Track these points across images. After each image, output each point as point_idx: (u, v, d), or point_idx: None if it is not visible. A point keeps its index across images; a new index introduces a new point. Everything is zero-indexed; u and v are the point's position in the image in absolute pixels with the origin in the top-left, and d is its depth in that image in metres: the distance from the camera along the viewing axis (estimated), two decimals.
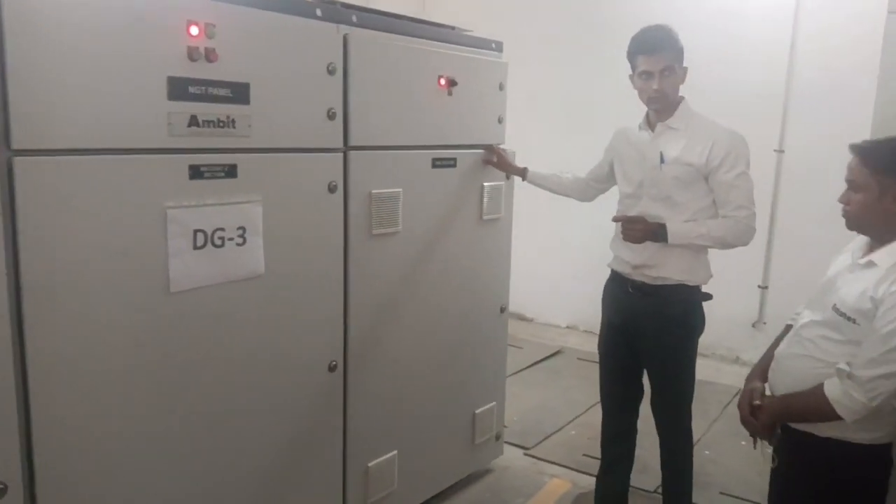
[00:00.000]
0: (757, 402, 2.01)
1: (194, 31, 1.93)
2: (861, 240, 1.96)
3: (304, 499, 2.47)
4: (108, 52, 1.77)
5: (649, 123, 2.65)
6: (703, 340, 5.23)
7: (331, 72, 2.34)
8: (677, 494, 2.83)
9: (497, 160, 3.04)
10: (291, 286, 2.32)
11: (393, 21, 2.64)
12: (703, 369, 4.89)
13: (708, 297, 2.69)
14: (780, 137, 4.79)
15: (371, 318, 2.63)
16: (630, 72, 2.64)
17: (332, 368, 2.48)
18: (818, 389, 1.81)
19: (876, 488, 1.89)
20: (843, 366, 1.77)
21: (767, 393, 2.05)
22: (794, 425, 1.94)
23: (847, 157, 4.52)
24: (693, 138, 2.54)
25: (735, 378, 4.74)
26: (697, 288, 2.65)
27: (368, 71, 2.47)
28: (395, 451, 2.80)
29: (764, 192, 4.87)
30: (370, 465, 2.70)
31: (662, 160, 2.55)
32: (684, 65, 2.61)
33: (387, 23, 2.60)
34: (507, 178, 3.18)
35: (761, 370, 2.11)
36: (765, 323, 4.98)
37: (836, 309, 1.84)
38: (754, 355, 4.97)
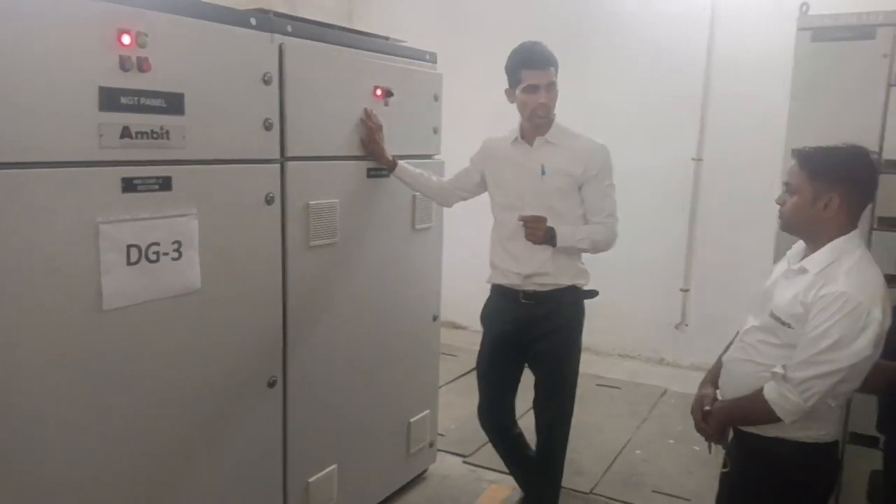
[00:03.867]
0: (707, 407, 2.06)
1: (126, 39, 1.86)
2: (798, 246, 2.04)
3: None
4: (35, 62, 1.69)
5: (524, 137, 2.72)
6: (628, 341, 5.46)
7: (266, 82, 2.30)
8: (546, 488, 2.90)
9: (370, 142, 2.75)
10: (229, 301, 2.26)
11: (327, 31, 2.62)
12: (629, 370, 5.10)
13: (595, 293, 2.80)
14: (697, 146, 5.00)
15: (309, 332, 2.60)
16: (507, 86, 2.69)
17: (271, 384, 2.43)
18: (758, 393, 1.88)
19: (823, 487, 1.98)
20: (778, 369, 1.85)
21: (719, 398, 2.11)
22: (743, 428, 2.01)
23: (762, 165, 4.75)
24: (570, 151, 2.65)
25: (660, 378, 4.92)
26: (582, 288, 2.77)
27: (304, 81, 2.45)
28: (334, 465, 2.76)
29: (683, 199, 5.10)
30: (310, 480, 2.65)
31: (544, 172, 2.64)
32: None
33: (321, 33, 2.57)
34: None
35: (713, 376, 2.17)
36: (687, 325, 5.18)
37: (772, 314, 1.92)
38: (677, 356, 5.24)
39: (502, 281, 2.79)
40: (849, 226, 1.90)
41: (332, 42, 2.62)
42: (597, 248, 2.68)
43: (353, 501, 2.93)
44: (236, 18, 2.20)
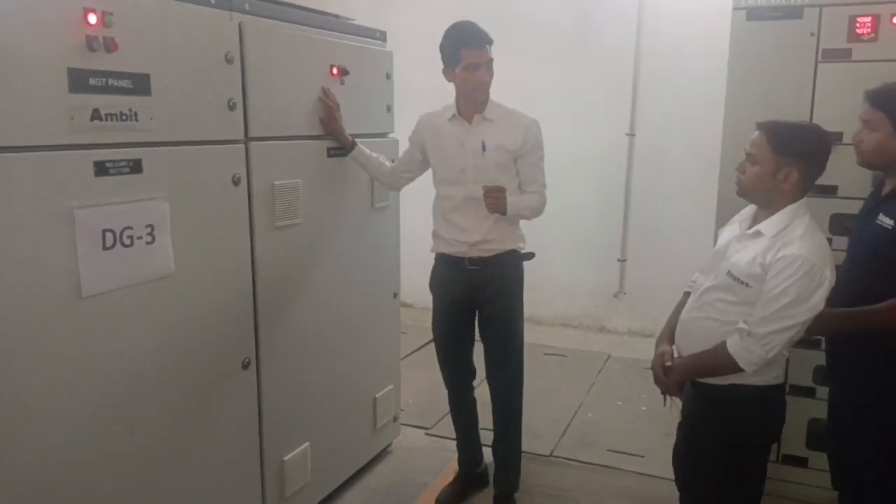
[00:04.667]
0: (668, 363, 2.21)
1: (92, 19, 1.81)
2: (747, 211, 2.20)
3: (221, 499, 2.40)
4: (2, 42, 1.63)
5: (462, 114, 2.79)
6: (571, 311, 5.64)
7: (229, 61, 2.28)
8: (510, 447, 3.02)
9: (329, 120, 2.77)
10: (201, 284, 2.24)
11: (283, 9, 2.60)
12: (573, 339, 5.29)
13: (531, 255, 2.96)
14: (630, 122, 5.19)
15: (279, 312, 2.60)
16: (444, 66, 2.73)
17: (245, 365, 2.44)
18: (721, 347, 2.04)
19: (774, 424, 2.18)
20: (742, 325, 2.01)
21: (675, 355, 2.26)
22: (700, 379, 2.17)
23: (693, 137, 4.97)
24: (507, 127, 2.76)
25: (603, 345, 5.13)
26: (521, 251, 2.92)
27: (265, 60, 2.43)
28: (307, 443, 2.79)
29: (618, 173, 5.29)
30: (285, 459, 2.67)
31: (485, 148, 2.73)
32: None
33: (277, 10, 2.55)
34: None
35: (668, 335, 2.31)
36: (625, 293, 5.40)
37: (730, 274, 2.07)
38: (617, 323, 5.46)
39: (447, 250, 2.88)
40: (800, 195, 2.07)
41: (289, 20, 2.61)
42: (534, 214, 2.85)
43: (326, 477, 2.97)
44: None
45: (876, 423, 2.21)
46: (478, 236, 2.79)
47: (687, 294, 2.34)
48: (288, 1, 2.69)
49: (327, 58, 2.77)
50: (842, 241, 2.70)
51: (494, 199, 2.65)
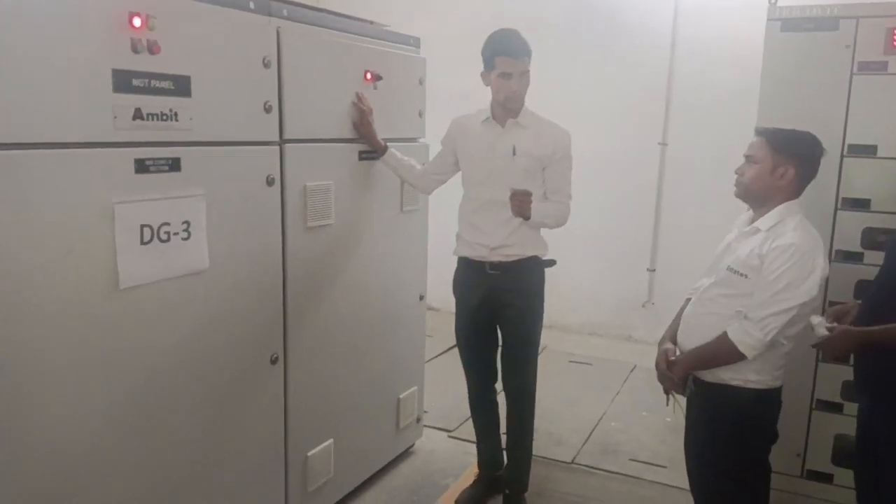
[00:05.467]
0: (672, 358, 2.31)
1: (137, 22, 1.89)
2: (743, 218, 2.35)
3: (245, 491, 2.46)
4: (51, 44, 1.71)
5: (495, 118, 2.83)
6: (598, 320, 5.63)
7: (266, 65, 2.35)
8: (522, 448, 3.06)
9: (362, 124, 2.81)
10: (234, 281, 2.31)
11: (319, 15, 2.66)
12: (599, 347, 5.27)
13: (553, 262, 2.98)
14: (663, 131, 5.18)
15: (307, 311, 2.66)
16: (483, 69, 2.79)
17: (273, 361, 2.49)
18: (722, 336, 2.15)
19: (771, 422, 2.27)
20: (740, 310, 2.13)
21: (678, 352, 2.34)
22: (702, 376, 2.25)
23: (724, 148, 4.96)
24: (538, 134, 2.81)
25: (629, 355, 5.11)
26: (542, 258, 2.94)
27: (301, 64, 2.49)
28: (331, 440, 2.84)
29: (649, 182, 5.27)
30: (309, 454, 2.73)
31: (514, 153, 2.77)
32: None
33: (314, 16, 2.62)
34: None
35: (671, 334, 2.43)
36: (653, 303, 5.37)
37: (730, 268, 2.20)
38: (644, 333, 5.43)
39: (469, 253, 2.91)
40: (794, 194, 2.24)
41: (325, 26, 2.67)
42: (557, 224, 2.88)
43: (348, 474, 3.02)
44: (235, 1, 2.24)
45: None
46: (497, 240, 2.82)
47: (688, 300, 2.44)
48: (324, 7, 2.76)
49: (361, 63, 2.83)
50: (875, 256, 2.69)
51: (520, 202, 2.67)
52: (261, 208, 2.40)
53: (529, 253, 2.87)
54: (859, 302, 2.37)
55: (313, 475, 2.76)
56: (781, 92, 2.98)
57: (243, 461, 2.44)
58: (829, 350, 2.33)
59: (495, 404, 3.16)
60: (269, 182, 2.41)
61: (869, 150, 2.86)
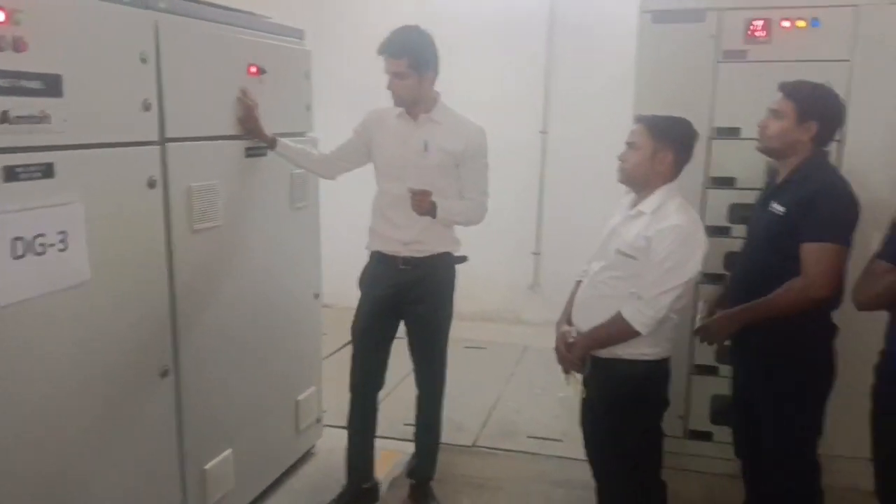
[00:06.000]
0: (570, 340, 2.42)
1: (0, 17, 1.73)
2: (625, 201, 2.46)
3: None
4: None
5: (409, 114, 2.82)
6: (489, 305, 5.76)
7: (143, 60, 2.21)
8: (431, 440, 3.11)
9: (248, 120, 2.71)
10: (117, 291, 2.17)
11: (199, 7, 2.54)
12: (492, 332, 5.39)
13: (465, 259, 3.03)
14: (543, 120, 5.34)
15: (198, 318, 2.55)
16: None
17: (163, 374, 2.37)
18: (617, 316, 2.27)
19: (662, 389, 2.42)
20: (633, 290, 2.24)
21: (575, 334, 2.44)
22: (598, 354, 2.36)
23: (602, 135, 5.14)
24: (452, 130, 2.80)
25: (520, 337, 5.26)
26: (454, 254, 2.98)
27: (181, 59, 2.37)
28: (229, 450, 2.74)
29: (532, 169, 5.43)
30: (206, 467, 2.62)
31: (426, 148, 2.77)
32: (429, 70, 2.75)
33: (193, 9, 2.49)
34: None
35: (566, 316, 2.53)
36: (540, 285, 5.57)
37: (619, 251, 2.31)
38: (534, 315, 5.60)
39: (382, 248, 2.89)
40: (673, 177, 2.36)
41: (205, 18, 2.55)
42: (469, 222, 2.88)
43: (249, 483, 2.93)
44: None
45: (775, 395, 2.41)
46: (411, 235, 2.80)
47: (578, 283, 2.53)
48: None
49: (244, 56, 2.73)
50: (740, 230, 2.90)
51: (419, 202, 2.67)
52: (143, 212, 2.26)
53: (441, 249, 2.87)
54: (728, 275, 2.57)
55: (212, 488, 2.65)
56: (655, 80, 3.15)
57: (136, 481, 2.31)
58: (712, 336, 2.52)
59: (375, 411, 3.07)
60: (151, 184, 2.28)
61: (733, 133, 3.09)
